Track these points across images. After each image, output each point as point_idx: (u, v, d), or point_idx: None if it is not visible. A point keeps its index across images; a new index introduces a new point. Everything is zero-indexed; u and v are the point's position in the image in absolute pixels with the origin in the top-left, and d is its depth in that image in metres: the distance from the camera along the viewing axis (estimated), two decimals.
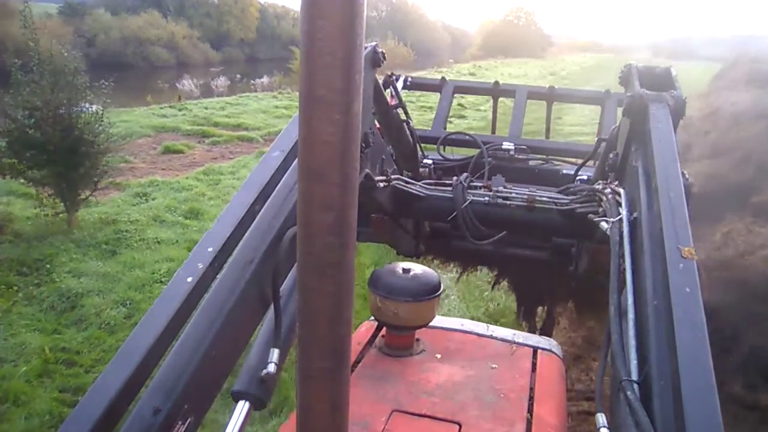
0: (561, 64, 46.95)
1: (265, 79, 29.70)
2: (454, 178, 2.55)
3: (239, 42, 48.84)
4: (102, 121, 7.73)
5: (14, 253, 6.63)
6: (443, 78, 3.93)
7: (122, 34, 38.97)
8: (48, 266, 6.43)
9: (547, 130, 4.10)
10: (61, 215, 7.55)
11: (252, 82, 29.06)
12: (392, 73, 3.49)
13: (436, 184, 2.65)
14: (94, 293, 5.93)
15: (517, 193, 2.44)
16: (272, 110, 17.91)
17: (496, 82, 3.88)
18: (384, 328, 2.11)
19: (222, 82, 27.84)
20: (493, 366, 2.00)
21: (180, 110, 17.47)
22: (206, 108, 18.11)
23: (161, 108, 17.85)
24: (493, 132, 3.96)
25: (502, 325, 3.02)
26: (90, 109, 7.76)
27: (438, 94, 3.92)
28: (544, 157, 3.47)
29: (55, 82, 7.31)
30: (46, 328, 5.33)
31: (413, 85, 3.88)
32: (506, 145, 3.31)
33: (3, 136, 7.15)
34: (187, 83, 26.37)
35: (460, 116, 17.39)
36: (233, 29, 48.23)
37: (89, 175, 7.52)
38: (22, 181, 7.58)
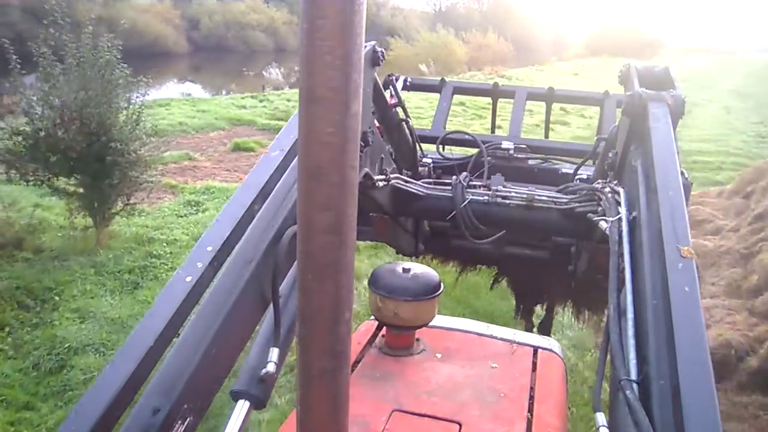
0: (673, 67, 43.48)
1: None
2: (454, 177, 2.55)
3: None
4: (137, 125, 6.42)
5: (25, 278, 5.60)
6: (443, 79, 3.95)
7: (225, 18, 39.73)
8: (57, 298, 5.39)
9: (546, 129, 4.11)
10: (90, 230, 6.52)
11: None
12: (391, 74, 3.50)
13: (435, 184, 2.65)
14: (91, 348, 4.77)
15: (516, 193, 2.44)
16: None
17: (495, 83, 3.89)
18: (384, 328, 2.11)
19: None
20: (494, 365, 2.00)
21: (261, 101, 16.61)
22: (288, 100, 16.84)
23: (242, 98, 17.00)
24: (493, 132, 3.96)
25: None
26: (133, 103, 6.51)
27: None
28: (544, 156, 3.47)
29: (82, 76, 6.07)
30: (17, 400, 4.14)
31: (413, 86, 3.89)
32: (505, 144, 3.31)
33: (22, 138, 6.03)
34: (274, 72, 25.89)
35: (564, 123, 15.32)
36: None
37: (121, 187, 6.35)
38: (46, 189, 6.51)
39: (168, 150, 7.29)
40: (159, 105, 14.47)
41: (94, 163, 6.06)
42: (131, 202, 6.60)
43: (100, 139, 6.00)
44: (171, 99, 16.31)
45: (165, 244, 6.68)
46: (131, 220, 7.03)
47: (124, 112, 6.39)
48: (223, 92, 20.13)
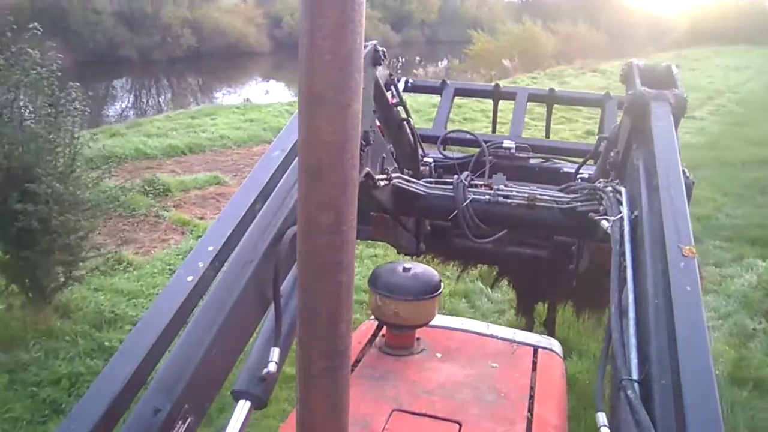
0: None
1: (442, 64, 28.51)
2: (455, 176, 2.55)
3: (420, 23, 47.07)
4: (72, 173, 4.46)
5: None
6: (444, 81, 3.97)
7: None
8: None
9: (547, 130, 4.13)
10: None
11: (414, 71, 26.30)
12: (391, 74, 3.51)
13: (436, 183, 2.65)
14: None
15: (517, 192, 2.44)
16: (427, 110, 10.72)
17: (497, 85, 3.92)
18: (384, 328, 2.11)
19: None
20: (494, 365, 2.00)
21: None
22: None
23: None
24: (494, 133, 3.98)
25: None
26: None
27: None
28: (545, 155, 3.48)
29: None
30: None
31: (414, 87, 3.90)
32: (507, 143, 3.31)
33: None
34: None
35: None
36: (415, 10, 46.39)
37: (59, 258, 4.48)
38: None
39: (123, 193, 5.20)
40: (204, 114, 13.12)
41: (9, 225, 4.22)
42: (74, 274, 4.69)
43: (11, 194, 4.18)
44: (220, 106, 14.75)
45: (130, 327, 4.27)
46: (105, 281, 5.19)
47: (61, 156, 4.46)
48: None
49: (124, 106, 21.80)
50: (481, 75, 22.82)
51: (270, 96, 19.61)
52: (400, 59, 28.74)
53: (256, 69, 31.62)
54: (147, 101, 23.42)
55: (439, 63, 29.44)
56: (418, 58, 32.82)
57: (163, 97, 24.51)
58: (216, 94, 24.14)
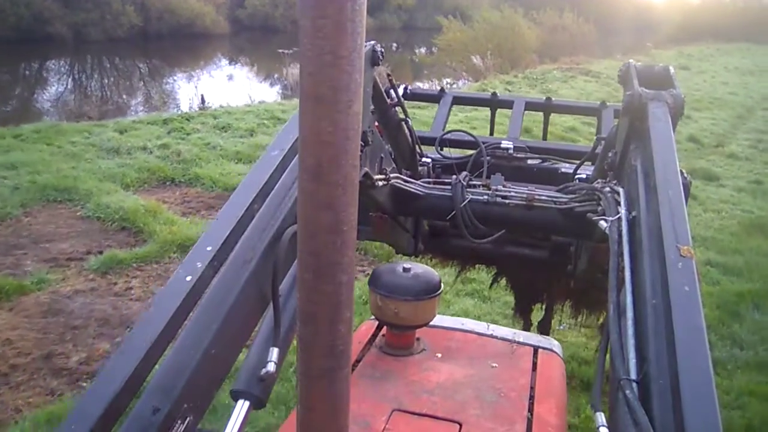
0: None
1: (420, 51, 27.13)
2: (453, 176, 2.56)
3: (396, 8, 44.42)
4: None
5: None
6: (442, 89, 4.01)
7: None
8: None
9: (544, 135, 4.16)
10: None
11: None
12: (389, 74, 3.51)
13: (435, 183, 2.65)
14: None
15: (516, 192, 2.44)
16: None
17: (494, 93, 3.97)
18: (384, 328, 2.11)
19: None
20: (494, 365, 2.00)
21: (171, 132, 9.26)
22: (224, 128, 9.56)
23: (151, 122, 9.50)
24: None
25: None
26: None
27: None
28: (543, 156, 3.49)
29: None
30: None
31: (412, 95, 3.92)
32: (505, 143, 3.32)
33: None
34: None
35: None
36: None
37: None
38: None
39: None
40: None
41: None
42: None
43: None
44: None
45: None
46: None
47: None
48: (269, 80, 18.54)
49: (60, 90, 19.62)
50: (452, 70, 21.27)
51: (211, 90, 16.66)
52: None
53: (214, 53, 28.86)
54: (89, 85, 21.24)
55: (416, 50, 28.27)
56: (394, 45, 31.02)
57: (106, 80, 22.33)
58: (167, 80, 22.08)
